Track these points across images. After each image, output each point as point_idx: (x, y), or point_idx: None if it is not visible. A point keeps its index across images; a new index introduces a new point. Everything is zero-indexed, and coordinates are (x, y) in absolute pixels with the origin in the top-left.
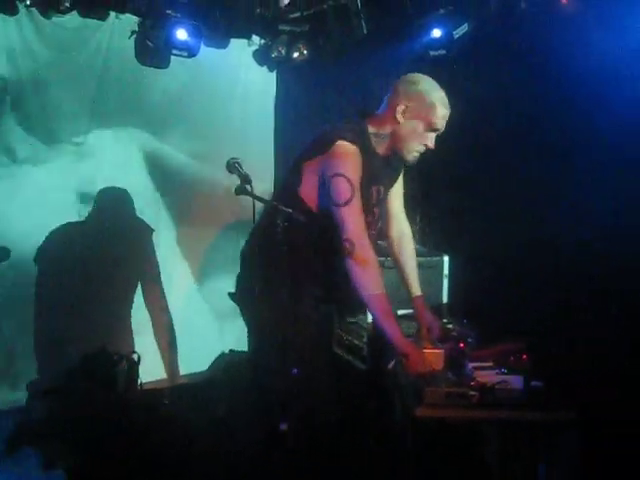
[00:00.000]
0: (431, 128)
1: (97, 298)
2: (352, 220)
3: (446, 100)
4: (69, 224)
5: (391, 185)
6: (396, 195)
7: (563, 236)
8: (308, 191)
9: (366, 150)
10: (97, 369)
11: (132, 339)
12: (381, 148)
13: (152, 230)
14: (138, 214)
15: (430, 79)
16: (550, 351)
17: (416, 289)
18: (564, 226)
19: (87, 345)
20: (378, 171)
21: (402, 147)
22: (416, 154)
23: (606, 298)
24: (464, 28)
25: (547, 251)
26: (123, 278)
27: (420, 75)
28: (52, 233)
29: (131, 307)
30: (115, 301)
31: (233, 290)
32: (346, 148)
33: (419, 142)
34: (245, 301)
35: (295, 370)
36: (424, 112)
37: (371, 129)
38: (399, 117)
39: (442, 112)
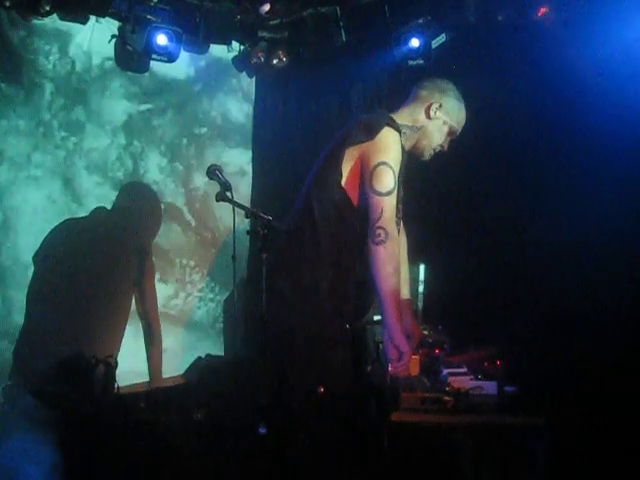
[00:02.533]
0: (452, 131)
1: (85, 299)
2: (390, 210)
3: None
4: (70, 220)
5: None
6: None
7: (536, 245)
8: (351, 182)
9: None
10: (73, 373)
11: (119, 343)
12: (407, 141)
13: (153, 236)
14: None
15: None
16: (523, 357)
17: (404, 293)
18: (538, 235)
19: (70, 347)
20: (402, 165)
21: (426, 143)
22: (432, 152)
23: (581, 304)
24: (442, 38)
25: (521, 259)
26: (115, 280)
27: (448, 81)
28: (52, 230)
29: (123, 310)
30: (105, 303)
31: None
32: (393, 136)
33: (439, 142)
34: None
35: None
36: (454, 115)
37: (399, 121)
38: (432, 113)
39: (464, 120)
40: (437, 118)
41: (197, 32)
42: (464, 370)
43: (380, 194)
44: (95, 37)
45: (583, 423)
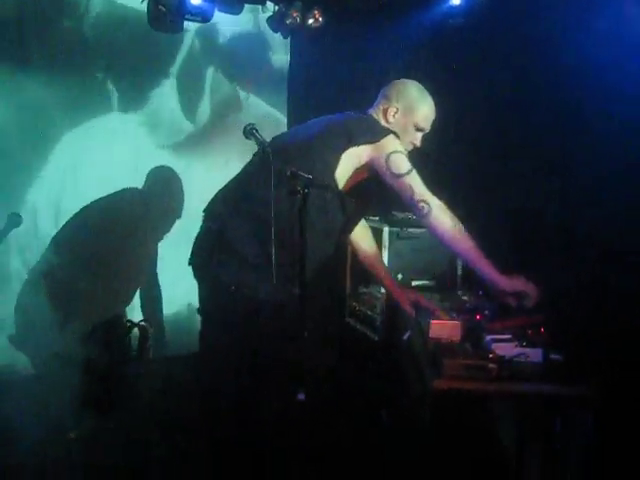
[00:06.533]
0: (419, 128)
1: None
2: (419, 184)
3: (432, 104)
4: (95, 200)
5: None
6: None
7: (583, 207)
8: (341, 173)
9: None
10: (110, 335)
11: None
12: None
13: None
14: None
15: (419, 84)
16: (568, 324)
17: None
18: (584, 197)
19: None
20: None
21: None
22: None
23: (630, 272)
24: None
25: (566, 221)
26: (132, 259)
27: (410, 80)
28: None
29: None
30: (120, 279)
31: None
32: (397, 142)
33: (408, 141)
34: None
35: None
36: (414, 115)
37: None
38: (390, 118)
39: (428, 115)
40: (396, 121)
41: None
42: (508, 336)
43: (401, 175)
44: None
45: (632, 394)
